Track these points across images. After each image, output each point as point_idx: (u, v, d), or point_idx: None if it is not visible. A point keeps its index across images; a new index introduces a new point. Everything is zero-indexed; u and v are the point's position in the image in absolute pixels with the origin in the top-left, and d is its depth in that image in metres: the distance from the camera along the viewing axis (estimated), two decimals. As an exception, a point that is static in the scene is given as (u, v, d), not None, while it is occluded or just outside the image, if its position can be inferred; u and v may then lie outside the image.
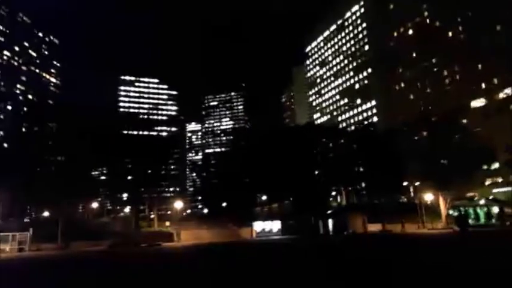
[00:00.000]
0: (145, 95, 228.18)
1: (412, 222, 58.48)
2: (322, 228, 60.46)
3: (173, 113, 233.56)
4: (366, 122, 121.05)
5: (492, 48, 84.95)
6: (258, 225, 63.41)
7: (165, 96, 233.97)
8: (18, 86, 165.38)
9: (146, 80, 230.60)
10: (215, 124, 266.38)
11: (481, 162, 65.26)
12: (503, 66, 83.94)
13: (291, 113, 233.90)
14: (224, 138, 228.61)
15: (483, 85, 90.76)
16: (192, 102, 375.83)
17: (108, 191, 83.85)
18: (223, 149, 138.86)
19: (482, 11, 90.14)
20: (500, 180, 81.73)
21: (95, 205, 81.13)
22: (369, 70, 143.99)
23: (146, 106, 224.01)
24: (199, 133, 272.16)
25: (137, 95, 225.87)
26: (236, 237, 59.50)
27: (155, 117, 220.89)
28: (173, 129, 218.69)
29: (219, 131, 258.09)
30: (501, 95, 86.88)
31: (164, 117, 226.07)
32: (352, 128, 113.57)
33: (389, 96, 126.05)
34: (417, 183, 68.56)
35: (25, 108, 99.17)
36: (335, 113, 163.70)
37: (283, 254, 26.65)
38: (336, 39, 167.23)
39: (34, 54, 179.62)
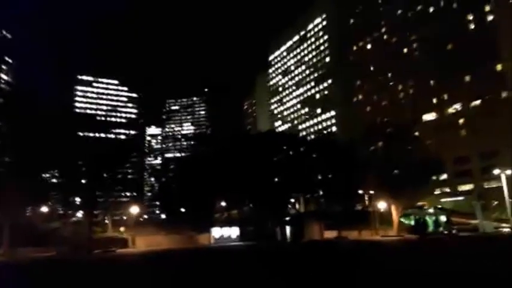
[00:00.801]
0: (104, 96, 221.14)
1: (366, 229, 60.57)
2: (280, 234, 61.10)
3: (133, 115, 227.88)
4: (325, 132, 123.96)
5: (443, 66, 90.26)
6: (217, 232, 63.00)
7: (124, 99, 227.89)
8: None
9: (105, 80, 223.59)
10: (176, 128, 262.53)
11: (431, 173, 68.64)
12: (453, 83, 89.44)
13: (253, 120, 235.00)
14: (185, 143, 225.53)
15: (434, 100, 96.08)
16: (153, 105, 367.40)
17: (60, 194, 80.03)
18: (183, 154, 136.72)
19: (435, 31, 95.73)
20: (448, 190, 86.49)
21: (45, 209, 77.00)
22: (330, 81, 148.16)
23: (104, 108, 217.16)
24: (159, 137, 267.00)
25: (95, 95, 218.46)
26: (194, 244, 58.81)
27: (113, 119, 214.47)
28: (132, 132, 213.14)
29: (179, 136, 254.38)
30: (450, 110, 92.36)
31: (123, 120, 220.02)
32: (312, 136, 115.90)
33: (348, 107, 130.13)
34: (372, 192, 70.96)
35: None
36: (296, 122, 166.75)
37: (239, 260, 26.68)
38: (298, 50, 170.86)
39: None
